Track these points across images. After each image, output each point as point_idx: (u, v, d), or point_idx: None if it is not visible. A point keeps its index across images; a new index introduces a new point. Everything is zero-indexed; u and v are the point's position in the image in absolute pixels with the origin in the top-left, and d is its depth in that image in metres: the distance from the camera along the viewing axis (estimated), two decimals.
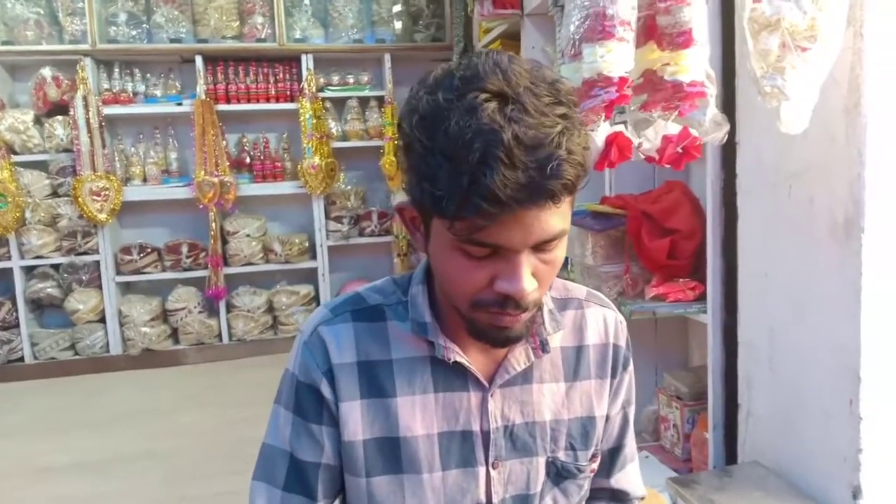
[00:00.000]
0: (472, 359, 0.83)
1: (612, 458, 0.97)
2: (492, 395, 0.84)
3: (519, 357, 0.84)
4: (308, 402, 0.83)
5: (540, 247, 0.70)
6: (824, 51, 1.14)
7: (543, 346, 0.84)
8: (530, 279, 0.71)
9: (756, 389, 1.68)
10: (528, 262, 0.70)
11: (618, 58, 1.24)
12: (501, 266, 0.70)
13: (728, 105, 1.67)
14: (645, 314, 2.00)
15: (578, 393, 0.89)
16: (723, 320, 1.81)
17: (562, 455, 0.87)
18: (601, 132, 1.37)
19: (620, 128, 1.38)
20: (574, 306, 0.91)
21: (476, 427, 0.84)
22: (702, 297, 1.92)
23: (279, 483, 0.85)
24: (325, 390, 0.82)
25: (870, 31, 1.24)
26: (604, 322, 0.91)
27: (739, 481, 1.57)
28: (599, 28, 1.23)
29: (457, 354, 0.82)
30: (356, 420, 0.82)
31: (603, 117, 1.31)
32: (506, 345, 0.80)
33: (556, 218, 0.68)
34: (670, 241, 2.00)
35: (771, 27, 1.11)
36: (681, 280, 2.01)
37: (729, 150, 1.69)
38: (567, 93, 0.69)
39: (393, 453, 0.82)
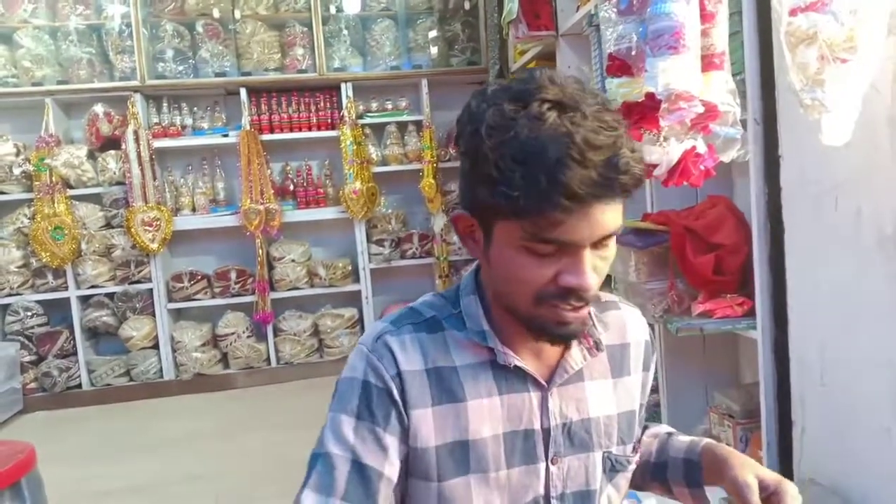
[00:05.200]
0: (527, 362, 0.87)
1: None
2: (550, 394, 0.88)
3: (576, 357, 0.89)
4: (378, 405, 0.83)
5: (598, 243, 0.76)
6: (864, 61, 1.12)
7: (597, 346, 0.90)
8: (592, 273, 0.77)
9: (809, 406, 1.64)
10: (589, 257, 0.76)
11: (692, 73, 1.24)
12: (566, 262, 0.76)
13: (769, 118, 1.65)
14: (692, 331, 1.97)
15: (623, 388, 0.95)
16: (773, 336, 1.77)
17: (615, 449, 0.93)
18: (674, 147, 1.37)
19: (691, 143, 1.38)
20: (613, 308, 0.98)
21: (537, 425, 0.88)
22: (750, 313, 1.88)
23: (337, 492, 0.80)
24: (396, 394, 0.83)
25: None
26: (637, 321, 0.99)
27: None
28: (681, 43, 1.22)
29: (515, 359, 0.86)
30: (428, 427, 0.84)
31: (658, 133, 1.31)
32: (565, 341, 0.85)
33: (616, 214, 0.75)
34: (715, 256, 1.97)
35: (808, 40, 1.10)
36: (728, 296, 1.97)
37: (772, 164, 1.67)
38: (608, 102, 0.76)
39: (463, 456, 0.85)
